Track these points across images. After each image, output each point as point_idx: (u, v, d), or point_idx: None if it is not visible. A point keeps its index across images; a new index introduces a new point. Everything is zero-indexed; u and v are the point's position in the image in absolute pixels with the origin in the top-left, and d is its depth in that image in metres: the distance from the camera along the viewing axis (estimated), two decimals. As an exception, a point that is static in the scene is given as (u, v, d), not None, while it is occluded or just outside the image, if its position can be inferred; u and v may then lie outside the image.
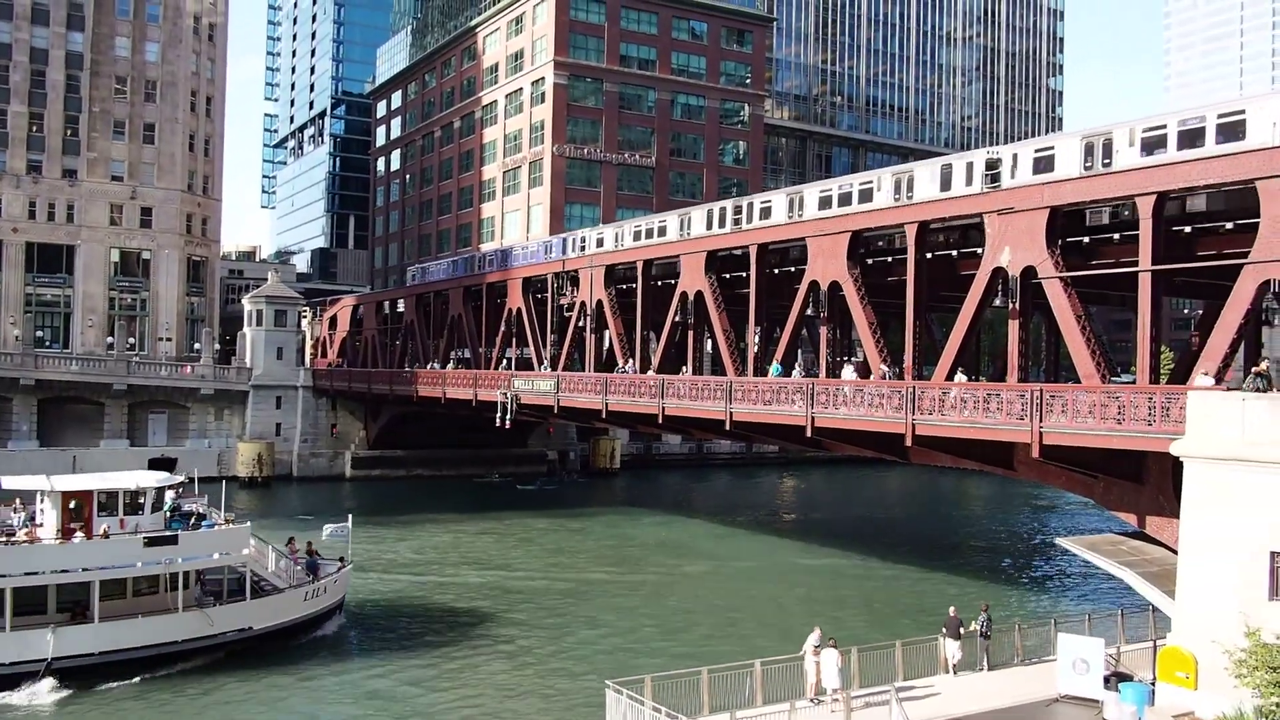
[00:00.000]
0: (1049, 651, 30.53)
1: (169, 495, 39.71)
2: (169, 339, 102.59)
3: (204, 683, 34.13)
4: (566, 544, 61.63)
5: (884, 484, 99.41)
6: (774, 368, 49.46)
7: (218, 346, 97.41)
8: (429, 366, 79.24)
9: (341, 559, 42.24)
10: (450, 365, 78.42)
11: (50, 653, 32.81)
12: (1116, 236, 36.15)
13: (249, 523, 40.26)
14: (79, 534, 35.51)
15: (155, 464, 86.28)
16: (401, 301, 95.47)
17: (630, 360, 57.85)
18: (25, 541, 34.77)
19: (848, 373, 40.84)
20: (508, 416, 63.25)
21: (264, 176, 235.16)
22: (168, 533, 36.53)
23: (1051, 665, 29.20)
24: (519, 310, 70.37)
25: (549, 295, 66.98)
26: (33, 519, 37.45)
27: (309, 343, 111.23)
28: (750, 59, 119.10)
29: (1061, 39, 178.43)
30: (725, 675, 26.31)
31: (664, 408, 49.84)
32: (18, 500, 39.29)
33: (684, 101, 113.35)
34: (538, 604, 45.67)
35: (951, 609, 30.80)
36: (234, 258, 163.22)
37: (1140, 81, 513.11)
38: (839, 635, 29.13)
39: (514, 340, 72.81)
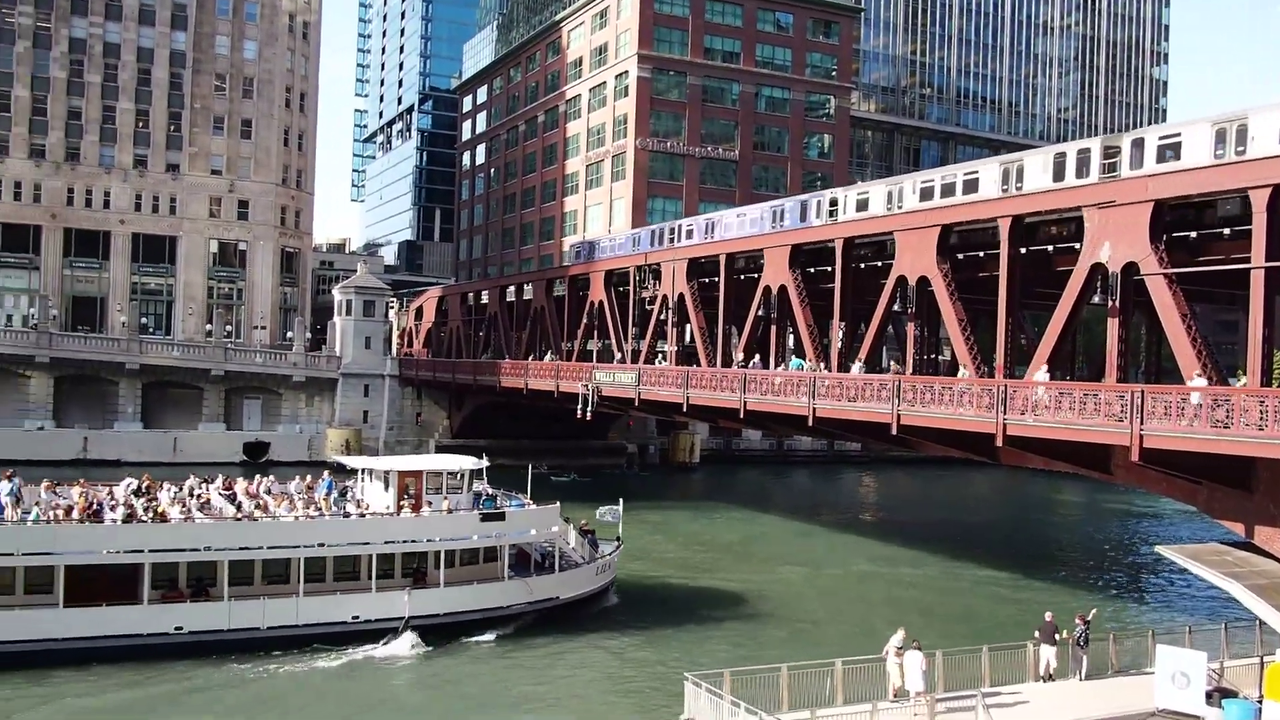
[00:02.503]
0: (1146, 664, 29.35)
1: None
2: (263, 327, 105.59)
3: (525, 643, 38.00)
4: (644, 539, 61.45)
5: (970, 486, 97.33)
6: (794, 362, 49.74)
7: (309, 335, 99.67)
8: (531, 358, 78.36)
9: (618, 538, 45.42)
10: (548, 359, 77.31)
11: (406, 612, 36.98)
12: (1227, 232, 34.54)
13: (557, 503, 43.26)
14: (424, 509, 40.03)
15: (250, 448, 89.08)
16: (485, 293, 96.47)
17: (752, 355, 55.30)
18: (387, 514, 39.44)
19: (1042, 375, 36.62)
20: (588, 408, 63.40)
21: (354, 170, 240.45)
22: (498, 509, 41.08)
23: (1149, 678, 28.01)
24: (601, 303, 70.43)
25: (631, 288, 66.90)
26: (343, 494, 42.46)
27: (396, 333, 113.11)
28: (837, 50, 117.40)
29: (1167, 26, 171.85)
30: (806, 673, 25.88)
31: (746, 402, 49.33)
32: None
33: (768, 94, 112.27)
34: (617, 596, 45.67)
35: (1048, 614, 29.86)
36: (325, 249, 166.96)
37: (1251, 71, 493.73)
38: (923, 638, 28.37)
39: (595, 333, 72.92)
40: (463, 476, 41.64)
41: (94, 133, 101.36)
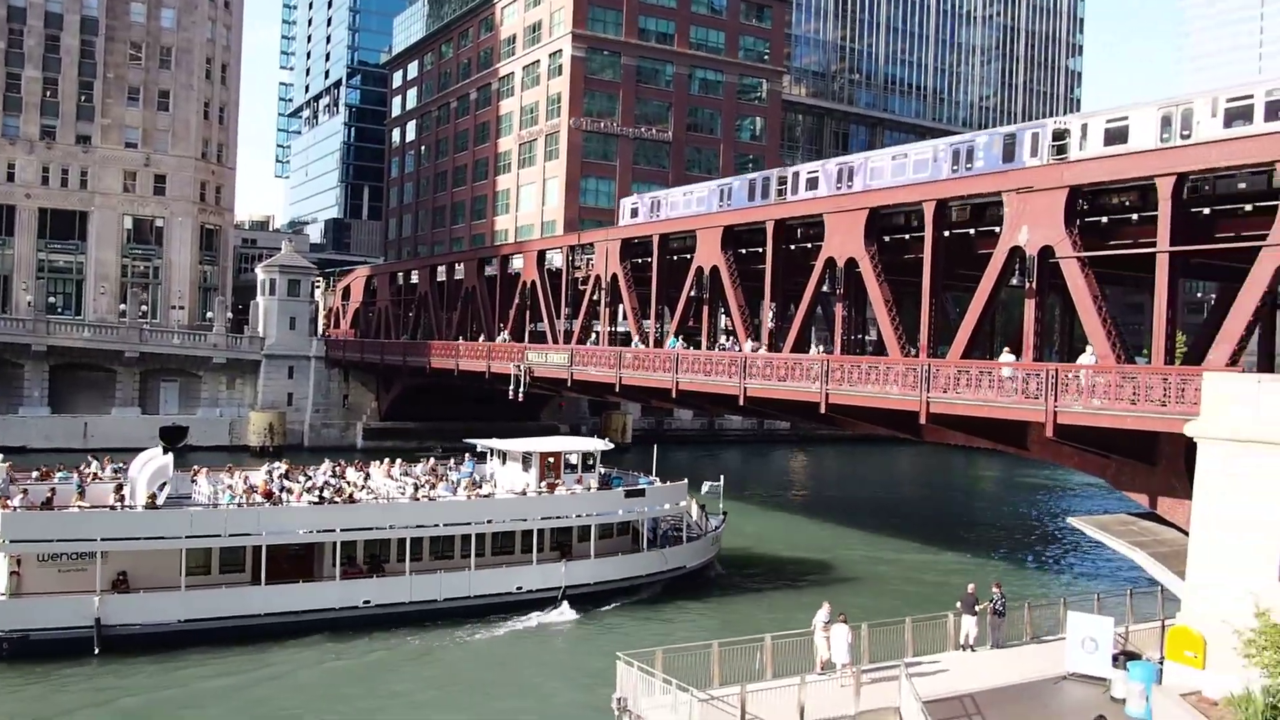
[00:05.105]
0: (1059, 630, 30.69)
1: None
2: (181, 307, 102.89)
3: (658, 608, 41.90)
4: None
5: (895, 462, 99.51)
6: (671, 341, 51.51)
7: (230, 315, 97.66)
8: (461, 339, 77.34)
9: (724, 512, 49.75)
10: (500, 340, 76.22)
11: (564, 582, 40.79)
12: (1135, 217, 35.99)
13: (685, 480, 47.36)
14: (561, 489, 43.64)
15: (166, 432, 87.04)
16: (415, 273, 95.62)
17: (749, 339, 52.18)
18: (546, 493, 42.94)
19: (1086, 357, 34.77)
20: (520, 389, 63.46)
21: (278, 146, 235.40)
22: (639, 487, 44.97)
23: (1061, 644, 29.36)
24: (533, 284, 70.40)
25: (565, 269, 67.00)
26: (470, 475, 46.08)
27: (322, 313, 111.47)
28: (769, 34, 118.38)
29: (1082, 19, 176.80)
30: (736, 648, 26.48)
31: (678, 382, 49.93)
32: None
33: (702, 76, 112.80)
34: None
35: (970, 585, 30.99)
36: (247, 227, 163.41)
37: (1160, 63, 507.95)
38: (849, 611, 29.30)
39: (528, 314, 72.82)
40: (595, 457, 45.22)
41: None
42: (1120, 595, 34.05)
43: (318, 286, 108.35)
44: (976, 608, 30.24)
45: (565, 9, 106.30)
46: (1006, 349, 38.26)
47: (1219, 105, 32.83)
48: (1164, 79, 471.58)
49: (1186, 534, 28.10)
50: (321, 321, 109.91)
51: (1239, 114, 31.91)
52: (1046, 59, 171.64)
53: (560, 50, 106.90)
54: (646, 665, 25.14)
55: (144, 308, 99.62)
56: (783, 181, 52.90)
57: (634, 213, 67.16)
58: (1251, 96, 31.79)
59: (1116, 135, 36.65)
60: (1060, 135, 38.62)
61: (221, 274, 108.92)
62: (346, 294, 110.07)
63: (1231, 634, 23.55)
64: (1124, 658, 27.55)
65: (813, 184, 50.86)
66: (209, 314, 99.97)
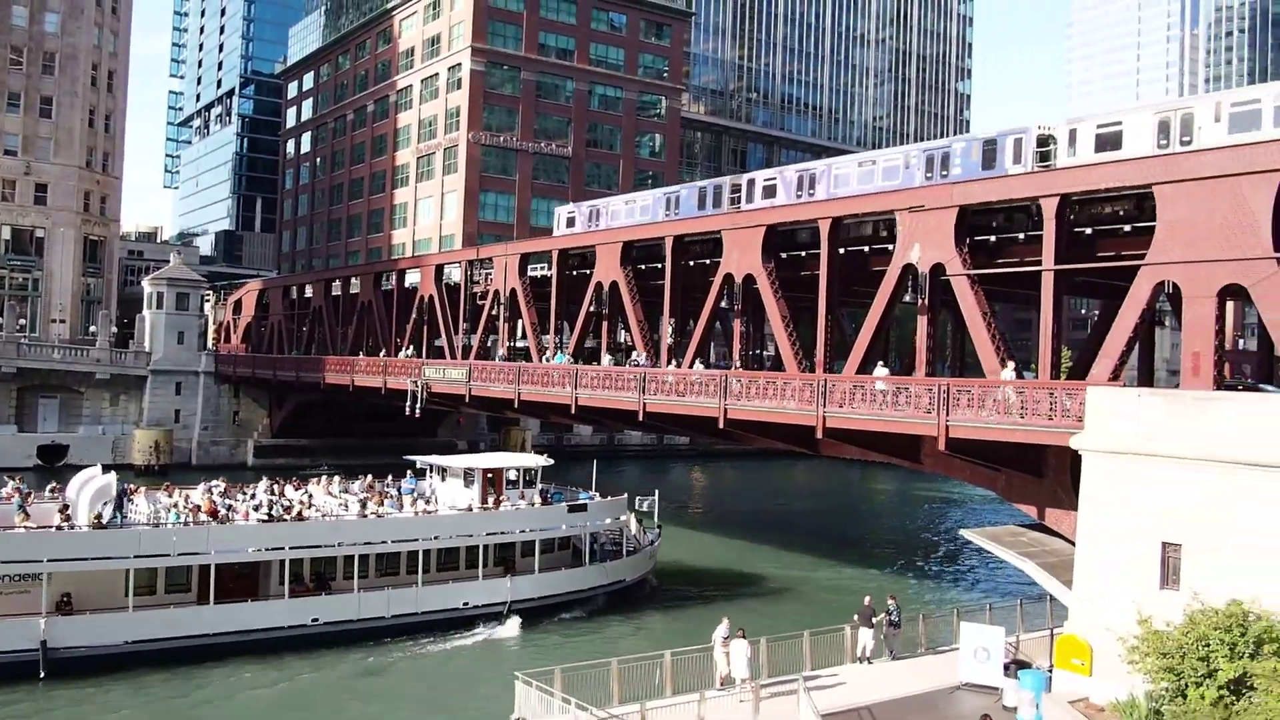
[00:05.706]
0: (953, 640, 31.21)
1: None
2: (63, 320, 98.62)
3: (600, 621, 42.45)
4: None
5: (792, 477, 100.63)
6: (559, 356, 52.37)
7: (115, 330, 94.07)
8: (384, 354, 75.03)
9: (659, 526, 49.69)
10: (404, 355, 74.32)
11: (509, 596, 41.22)
12: (1022, 236, 37.03)
13: (625, 495, 47.73)
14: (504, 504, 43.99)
15: (45, 451, 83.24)
16: (309, 287, 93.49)
17: (643, 351, 51.54)
18: (491, 509, 43.22)
19: (1008, 373, 33.91)
20: (418, 405, 62.45)
21: (167, 156, 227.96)
22: (582, 503, 45.67)
23: (954, 654, 29.86)
24: (431, 298, 69.35)
25: (463, 283, 66.19)
26: (411, 493, 45.81)
27: (212, 327, 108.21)
28: (668, 52, 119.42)
29: (971, 44, 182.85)
30: (635, 666, 26.38)
31: (577, 398, 49.67)
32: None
33: (601, 92, 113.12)
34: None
35: (867, 598, 31.35)
36: (134, 238, 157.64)
37: (1046, 87, 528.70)
38: (748, 625, 29.35)
39: (426, 329, 71.75)
40: (535, 473, 45.98)
41: None
42: (1011, 605, 34.86)
43: (207, 300, 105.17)
44: (873, 620, 30.60)
45: (465, 23, 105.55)
46: (881, 363, 39.16)
47: (1223, 110, 31.90)
48: (1050, 103, 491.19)
49: (1073, 544, 28.87)
50: (211, 336, 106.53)
51: (1244, 120, 31.27)
52: (937, 82, 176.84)
53: (459, 64, 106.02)
54: (546, 685, 24.78)
55: (22, 321, 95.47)
56: (736, 190, 49.60)
57: (570, 222, 63.10)
58: (1259, 101, 31.33)
59: (1109, 141, 34.86)
60: (1045, 142, 36.65)
61: (106, 287, 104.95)
62: (238, 308, 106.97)
63: (1116, 642, 24.18)
64: (1015, 666, 28.16)
65: (770, 192, 47.50)
66: (92, 328, 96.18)
